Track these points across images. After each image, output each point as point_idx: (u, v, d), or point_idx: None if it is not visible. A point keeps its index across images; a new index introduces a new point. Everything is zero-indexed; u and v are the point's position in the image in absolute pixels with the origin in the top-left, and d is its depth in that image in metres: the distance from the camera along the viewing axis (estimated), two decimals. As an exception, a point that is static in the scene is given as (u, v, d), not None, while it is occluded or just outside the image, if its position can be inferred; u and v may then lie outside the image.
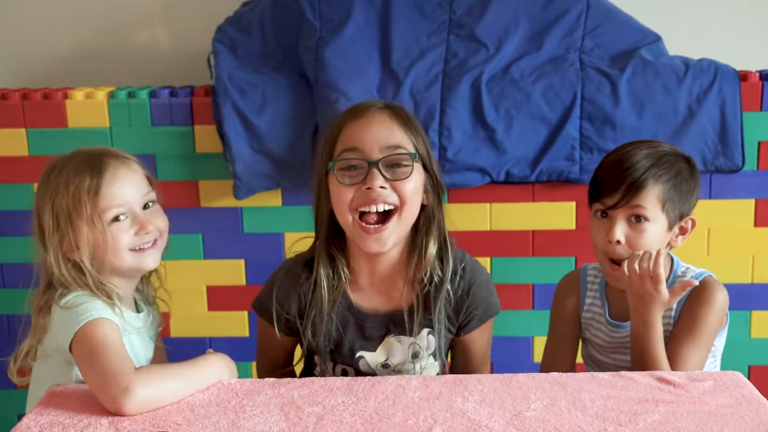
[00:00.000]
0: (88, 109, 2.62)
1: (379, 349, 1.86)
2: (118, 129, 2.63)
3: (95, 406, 1.58)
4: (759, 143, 2.57)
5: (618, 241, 1.87)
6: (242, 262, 2.73)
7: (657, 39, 2.63)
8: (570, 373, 1.72)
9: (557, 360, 2.05)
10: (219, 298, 2.76)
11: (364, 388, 1.65)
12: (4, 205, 2.65)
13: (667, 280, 1.90)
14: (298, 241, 1.96)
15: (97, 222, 1.69)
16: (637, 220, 1.87)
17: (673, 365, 1.83)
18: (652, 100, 2.51)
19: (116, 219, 1.71)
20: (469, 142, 2.55)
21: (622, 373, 1.71)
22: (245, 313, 2.76)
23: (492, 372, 2.70)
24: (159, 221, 1.78)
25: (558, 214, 2.63)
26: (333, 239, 1.83)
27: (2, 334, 2.76)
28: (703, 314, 1.88)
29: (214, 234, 2.72)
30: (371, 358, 1.86)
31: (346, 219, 1.76)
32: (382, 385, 1.66)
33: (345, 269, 1.83)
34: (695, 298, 1.90)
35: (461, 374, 1.76)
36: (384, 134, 1.73)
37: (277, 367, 1.96)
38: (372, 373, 1.86)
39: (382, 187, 1.71)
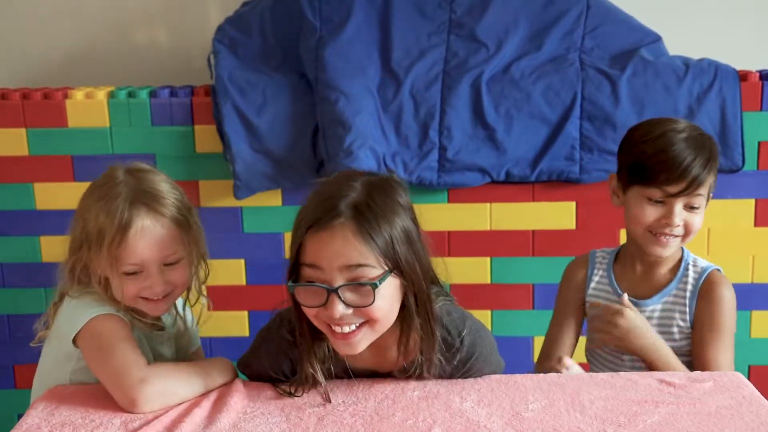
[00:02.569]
0: (88, 109, 2.62)
1: None
2: (118, 129, 2.63)
3: (107, 405, 1.59)
4: (759, 143, 2.57)
5: (678, 225, 1.91)
6: (242, 262, 2.73)
7: (657, 39, 2.63)
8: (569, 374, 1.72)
9: (559, 340, 2.04)
10: (219, 298, 2.75)
11: (364, 389, 1.65)
12: (4, 205, 2.65)
13: (677, 268, 1.98)
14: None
15: (113, 268, 1.69)
16: (692, 206, 1.91)
17: (709, 369, 1.87)
18: (652, 100, 2.51)
19: (129, 273, 1.70)
20: (469, 142, 2.55)
21: (622, 373, 1.71)
22: (245, 313, 2.76)
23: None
24: (176, 278, 1.75)
25: (558, 214, 2.63)
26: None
27: (2, 334, 2.76)
28: (718, 312, 1.92)
29: (214, 234, 2.70)
30: None
31: (318, 327, 1.62)
32: (381, 386, 1.66)
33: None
34: (706, 297, 1.94)
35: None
36: (342, 256, 1.52)
37: None
38: None
39: (344, 314, 1.54)
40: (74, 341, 1.68)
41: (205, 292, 1.92)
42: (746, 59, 2.64)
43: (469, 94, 2.54)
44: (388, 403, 1.59)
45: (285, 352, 1.71)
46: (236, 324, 2.77)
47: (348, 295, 1.52)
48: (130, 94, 2.64)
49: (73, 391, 1.67)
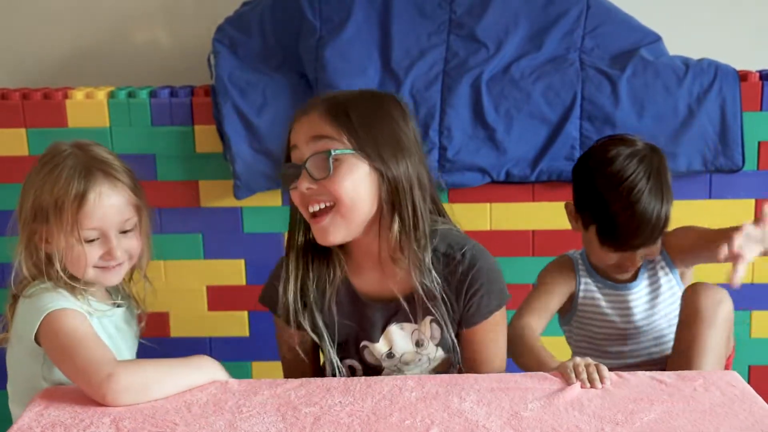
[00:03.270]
0: (88, 109, 2.62)
1: (382, 339, 1.80)
2: (118, 129, 2.63)
3: (96, 403, 1.58)
4: (759, 143, 2.57)
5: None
6: (242, 262, 2.73)
7: (657, 39, 2.63)
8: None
9: (532, 326, 2.04)
10: (219, 298, 2.76)
11: (361, 389, 1.65)
12: (3, 205, 2.64)
13: None
14: None
15: (72, 235, 1.70)
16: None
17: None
18: (652, 100, 2.51)
19: (89, 240, 1.72)
20: (469, 142, 2.55)
21: (616, 372, 1.71)
22: (245, 313, 2.76)
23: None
24: (131, 246, 1.78)
25: (558, 214, 2.61)
26: None
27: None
28: (692, 228, 2.10)
29: (214, 234, 2.72)
30: (375, 348, 1.81)
31: (303, 215, 1.73)
32: (379, 386, 1.66)
33: (339, 256, 1.79)
34: (673, 235, 2.07)
35: (461, 374, 1.75)
36: (311, 129, 1.66)
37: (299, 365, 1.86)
38: (378, 366, 1.82)
39: (309, 188, 1.66)
40: (37, 340, 1.68)
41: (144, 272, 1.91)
42: (746, 59, 2.64)
43: (469, 94, 2.54)
44: (385, 403, 1.59)
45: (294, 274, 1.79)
46: (236, 324, 2.77)
47: (312, 169, 1.64)
48: (130, 94, 2.64)
49: (64, 391, 1.66)
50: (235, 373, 2.38)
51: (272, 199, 2.66)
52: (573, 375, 1.66)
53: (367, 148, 1.65)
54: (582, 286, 2.11)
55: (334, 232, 1.68)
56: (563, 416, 1.53)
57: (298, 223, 1.79)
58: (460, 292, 1.75)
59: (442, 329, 1.77)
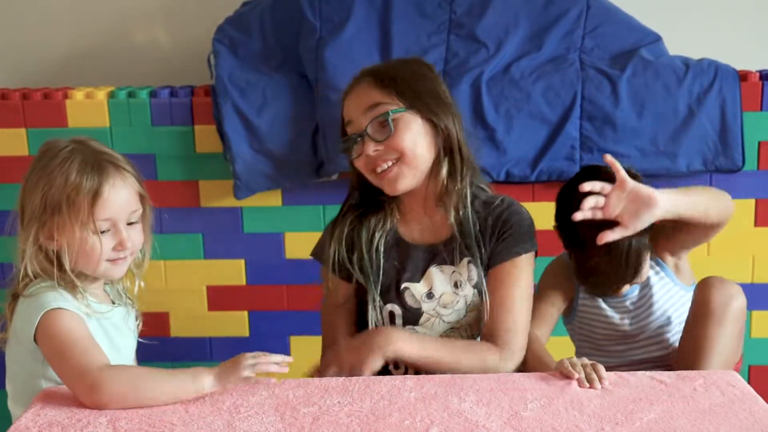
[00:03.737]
0: (88, 109, 2.62)
1: (423, 280, 1.93)
2: (118, 129, 2.63)
3: (94, 405, 1.59)
4: (759, 143, 2.57)
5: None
6: (242, 262, 2.73)
7: (657, 39, 2.63)
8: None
9: (535, 335, 2.03)
10: (219, 298, 2.76)
11: (360, 389, 1.65)
12: (3, 205, 2.64)
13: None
14: None
15: (87, 227, 1.71)
16: None
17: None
18: (652, 100, 2.51)
19: (102, 231, 1.74)
20: (468, 142, 2.55)
21: (616, 372, 1.71)
22: (245, 313, 2.76)
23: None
24: (136, 238, 1.80)
25: (558, 214, 2.62)
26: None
27: (2, 333, 2.77)
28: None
29: (214, 234, 2.72)
30: (416, 289, 1.93)
31: (369, 178, 1.93)
32: (378, 386, 1.66)
33: (392, 206, 1.97)
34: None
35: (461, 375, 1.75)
36: (364, 101, 1.87)
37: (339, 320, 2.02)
38: (418, 309, 1.92)
39: (376, 150, 1.86)
40: (35, 339, 1.69)
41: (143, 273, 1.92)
42: (746, 59, 2.64)
43: (469, 94, 2.54)
44: (384, 403, 1.59)
45: (347, 224, 1.98)
46: (236, 324, 2.77)
47: (374, 134, 1.85)
48: (130, 94, 2.64)
49: (61, 392, 1.66)
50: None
51: (272, 199, 2.66)
52: (572, 369, 1.68)
53: (417, 104, 1.87)
54: (582, 287, 2.11)
55: (402, 181, 1.88)
56: (563, 416, 1.53)
57: (354, 190, 2.00)
58: (494, 231, 1.92)
59: (478, 270, 1.91)
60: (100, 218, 1.72)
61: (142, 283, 1.92)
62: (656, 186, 1.86)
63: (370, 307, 1.94)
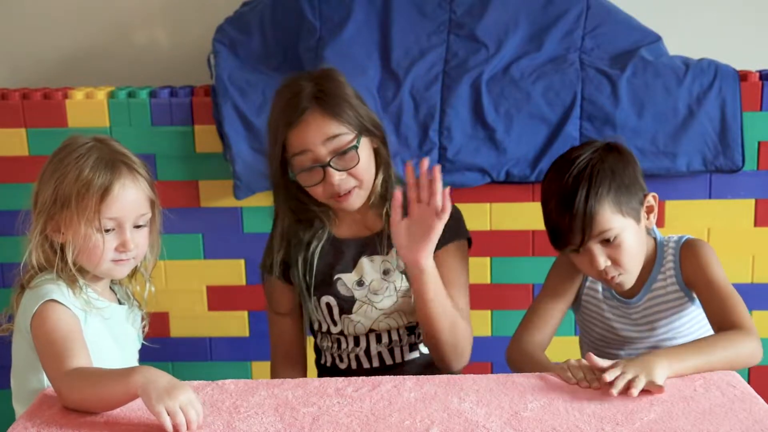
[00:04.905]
0: (88, 109, 2.62)
1: (354, 270, 2.03)
2: (118, 129, 2.63)
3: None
4: (759, 143, 2.57)
5: (607, 265, 1.90)
6: (242, 262, 2.73)
7: (657, 39, 2.63)
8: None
9: (548, 314, 2.03)
10: (219, 298, 2.76)
11: (359, 389, 1.65)
12: (4, 205, 2.65)
13: (654, 255, 1.99)
14: None
15: (92, 224, 1.73)
16: (608, 241, 1.88)
17: (734, 328, 1.83)
18: (652, 100, 2.51)
19: (106, 230, 1.74)
20: (469, 142, 2.55)
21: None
22: (245, 313, 2.76)
23: (492, 367, 2.72)
24: (142, 242, 1.81)
25: (558, 214, 2.62)
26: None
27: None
28: (709, 271, 1.92)
29: (214, 234, 2.72)
30: (347, 278, 2.03)
31: (324, 201, 1.99)
32: (378, 387, 1.66)
33: (328, 213, 2.05)
34: (691, 264, 1.94)
35: (460, 375, 1.75)
36: (321, 132, 1.90)
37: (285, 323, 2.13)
38: (351, 297, 2.02)
39: (340, 179, 1.92)
40: (31, 329, 1.70)
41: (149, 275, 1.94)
42: (746, 59, 2.64)
43: (469, 94, 2.54)
44: (384, 403, 1.59)
45: (284, 233, 2.06)
46: (236, 324, 2.77)
47: (337, 164, 1.91)
48: (130, 94, 2.64)
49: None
50: (235, 373, 2.39)
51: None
52: (569, 374, 1.67)
53: (364, 130, 1.94)
54: (588, 283, 2.07)
55: (358, 201, 1.97)
56: (563, 416, 1.53)
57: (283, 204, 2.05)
58: None
59: None
60: (106, 216, 1.73)
61: (153, 288, 1.93)
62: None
63: (308, 303, 2.06)
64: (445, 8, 2.63)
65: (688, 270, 1.95)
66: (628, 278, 1.94)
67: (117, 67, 2.92)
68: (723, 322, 1.85)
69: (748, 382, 2.08)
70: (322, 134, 1.90)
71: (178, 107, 2.63)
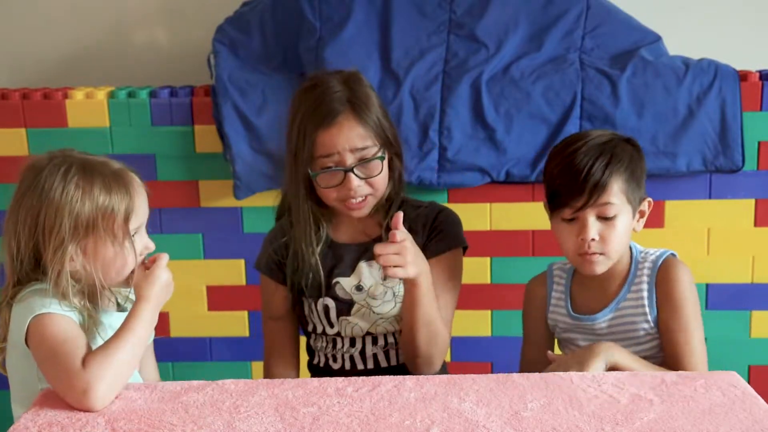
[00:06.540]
0: (88, 109, 2.63)
1: (353, 275, 2.04)
2: (118, 129, 2.63)
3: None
4: (759, 143, 2.57)
5: (593, 239, 1.86)
6: (242, 262, 2.73)
7: (657, 39, 2.63)
8: (566, 372, 1.71)
9: (531, 363, 2.03)
10: (219, 298, 2.76)
11: (359, 389, 1.65)
12: (4, 205, 2.64)
13: (628, 270, 1.95)
14: None
15: (126, 240, 1.73)
16: (606, 216, 1.86)
17: (684, 355, 1.84)
18: (652, 100, 2.51)
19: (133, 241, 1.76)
20: (469, 142, 2.55)
21: (616, 372, 1.71)
22: (245, 313, 2.76)
23: (492, 367, 2.72)
24: (151, 244, 1.84)
25: (558, 214, 2.62)
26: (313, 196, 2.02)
27: (2, 333, 2.77)
28: (678, 296, 1.88)
29: (214, 234, 2.72)
30: (346, 282, 2.04)
31: (331, 204, 2.00)
32: (378, 387, 1.65)
33: (329, 218, 2.06)
34: (662, 286, 1.90)
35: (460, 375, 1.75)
36: (352, 140, 1.92)
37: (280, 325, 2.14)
38: (350, 300, 2.03)
39: (358, 185, 1.94)
40: (27, 343, 1.68)
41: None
42: (746, 59, 2.64)
43: (469, 94, 2.55)
44: (384, 403, 1.59)
45: (284, 234, 2.08)
46: (236, 324, 2.77)
47: (361, 171, 1.93)
48: (130, 94, 2.64)
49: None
50: (235, 373, 2.39)
51: (272, 199, 2.65)
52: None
53: (389, 146, 1.98)
54: (552, 300, 2.05)
55: (368, 209, 2.00)
56: (563, 416, 1.53)
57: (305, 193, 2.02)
58: (425, 228, 2.04)
59: None
60: (134, 230, 1.75)
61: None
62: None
63: (306, 303, 2.07)
64: (445, 8, 2.63)
65: (660, 299, 1.91)
66: (605, 263, 1.90)
67: (117, 67, 2.93)
68: (676, 363, 1.86)
69: (748, 382, 2.08)
70: (353, 142, 1.91)
71: (178, 107, 2.63)
